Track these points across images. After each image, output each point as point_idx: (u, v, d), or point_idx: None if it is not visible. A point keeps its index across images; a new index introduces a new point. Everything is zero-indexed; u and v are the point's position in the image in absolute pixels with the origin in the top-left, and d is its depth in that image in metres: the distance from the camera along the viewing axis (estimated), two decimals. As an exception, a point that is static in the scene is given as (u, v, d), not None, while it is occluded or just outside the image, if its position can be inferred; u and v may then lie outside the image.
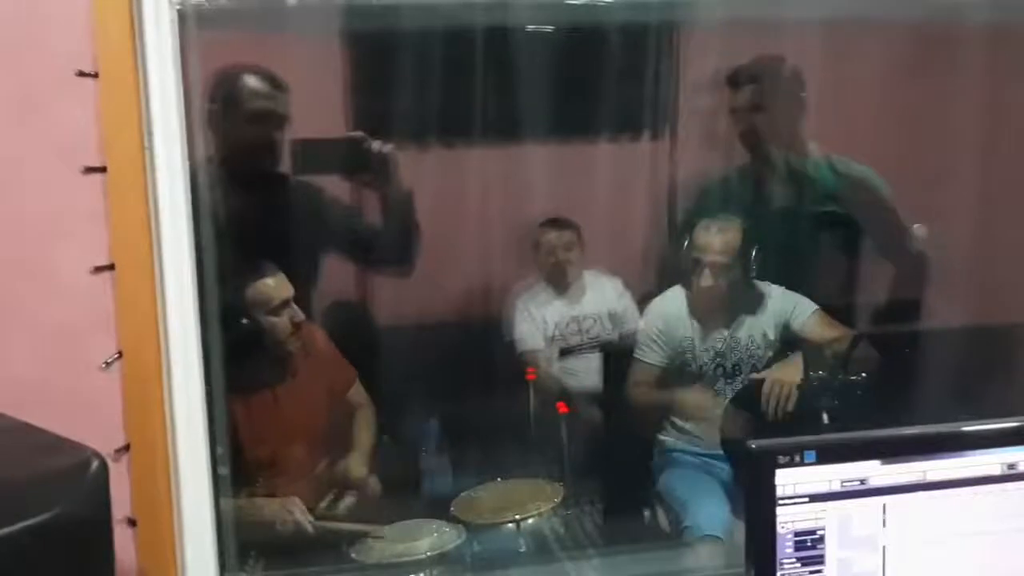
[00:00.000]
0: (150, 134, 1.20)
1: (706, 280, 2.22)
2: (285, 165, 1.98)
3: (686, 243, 2.27)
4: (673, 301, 2.35)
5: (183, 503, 1.25)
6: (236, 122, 1.92)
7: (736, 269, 2.22)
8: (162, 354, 1.22)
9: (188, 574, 1.27)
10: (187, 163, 1.26)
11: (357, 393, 2.19)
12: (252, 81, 1.94)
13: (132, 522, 1.23)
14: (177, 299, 1.22)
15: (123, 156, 1.19)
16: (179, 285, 1.22)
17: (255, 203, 1.93)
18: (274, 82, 1.95)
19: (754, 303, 2.28)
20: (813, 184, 2.31)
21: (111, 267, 1.20)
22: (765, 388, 2.10)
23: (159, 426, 1.23)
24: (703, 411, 2.28)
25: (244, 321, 1.91)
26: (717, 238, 2.21)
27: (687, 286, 2.31)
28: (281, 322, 1.96)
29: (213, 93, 1.89)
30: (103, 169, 1.19)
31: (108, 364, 1.21)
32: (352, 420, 2.17)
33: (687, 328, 2.31)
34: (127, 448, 1.22)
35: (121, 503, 1.22)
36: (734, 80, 2.34)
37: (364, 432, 2.16)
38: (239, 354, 1.79)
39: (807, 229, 2.31)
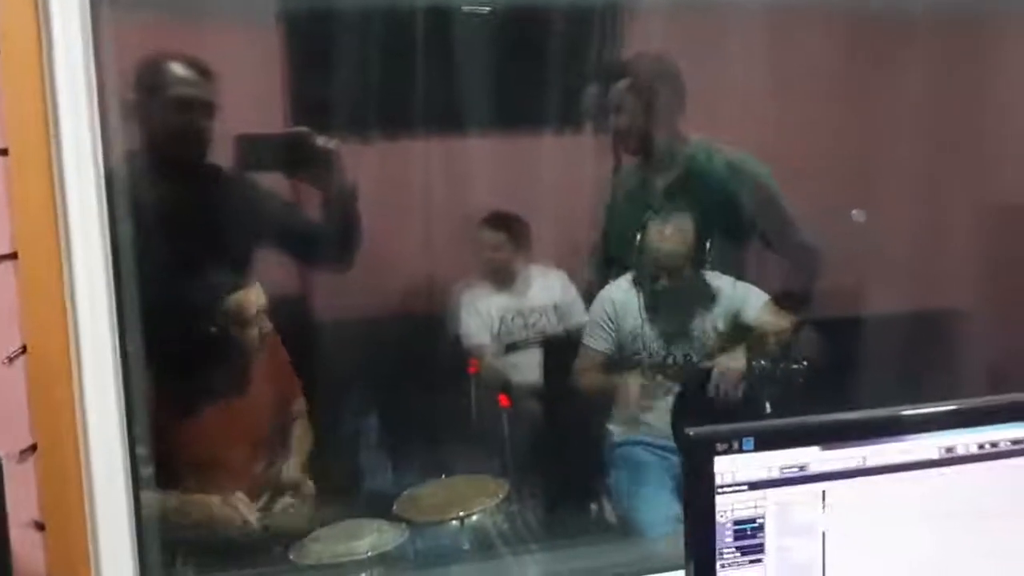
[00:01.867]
0: (56, 115, 1.14)
1: (662, 283, 2.22)
2: (215, 156, 1.91)
3: (637, 242, 2.26)
4: (623, 291, 2.33)
5: (96, 506, 1.19)
6: (161, 111, 1.85)
7: (691, 267, 2.23)
8: (71, 349, 1.16)
9: (103, 580, 1.20)
10: (100, 149, 1.19)
11: (298, 407, 2.14)
12: (175, 68, 1.87)
13: (40, 526, 1.17)
14: (88, 291, 1.16)
15: (26, 137, 1.12)
16: (90, 276, 1.16)
17: (183, 195, 1.87)
18: (199, 69, 1.89)
19: (708, 299, 2.28)
20: (693, 173, 2.30)
21: (14, 256, 1.14)
22: (714, 377, 2.14)
23: (68, 426, 1.16)
24: (638, 400, 2.27)
25: (212, 330, 1.87)
26: (672, 239, 2.21)
27: (640, 284, 2.30)
28: (251, 334, 1.93)
29: (137, 81, 1.82)
30: (4, 151, 1.12)
31: (11, 359, 1.15)
32: (291, 427, 2.11)
33: (636, 319, 2.30)
34: (34, 448, 1.15)
35: (29, 506, 1.16)
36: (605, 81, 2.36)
37: (302, 443, 2.10)
38: (202, 363, 1.83)
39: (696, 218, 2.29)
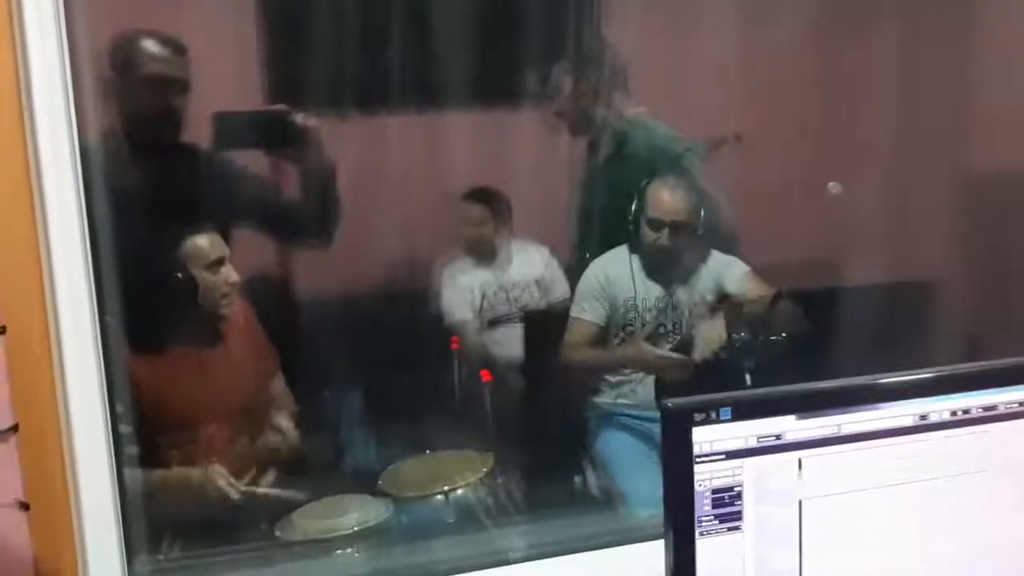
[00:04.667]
0: (28, 91, 1.12)
1: (663, 240, 2.25)
2: (190, 134, 1.90)
3: (634, 206, 2.28)
4: (617, 261, 2.34)
5: (80, 484, 1.19)
6: (134, 89, 1.84)
7: (691, 227, 2.26)
8: (50, 326, 1.15)
9: (89, 558, 1.21)
10: (74, 124, 1.18)
11: (277, 388, 2.13)
12: (149, 45, 1.85)
13: (25, 505, 1.17)
14: (65, 267, 1.15)
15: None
16: (67, 252, 1.15)
17: (158, 173, 1.85)
18: (173, 45, 1.87)
19: (700, 261, 2.32)
20: (626, 149, 2.35)
21: (-11, 236, 1.13)
22: (697, 344, 2.20)
23: (50, 404, 1.16)
24: (645, 362, 2.28)
25: (179, 276, 1.87)
26: (674, 197, 2.24)
27: (635, 248, 2.31)
28: (217, 279, 1.92)
29: (110, 59, 1.80)
30: (-22, 130, 1.11)
31: (-10, 339, 1.14)
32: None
33: (630, 289, 2.30)
34: (16, 428, 1.15)
35: (13, 486, 1.16)
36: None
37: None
38: (172, 310, 1.84)
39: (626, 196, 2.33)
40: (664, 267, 2.31)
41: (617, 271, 2.33)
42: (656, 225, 2.24)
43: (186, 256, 1.89)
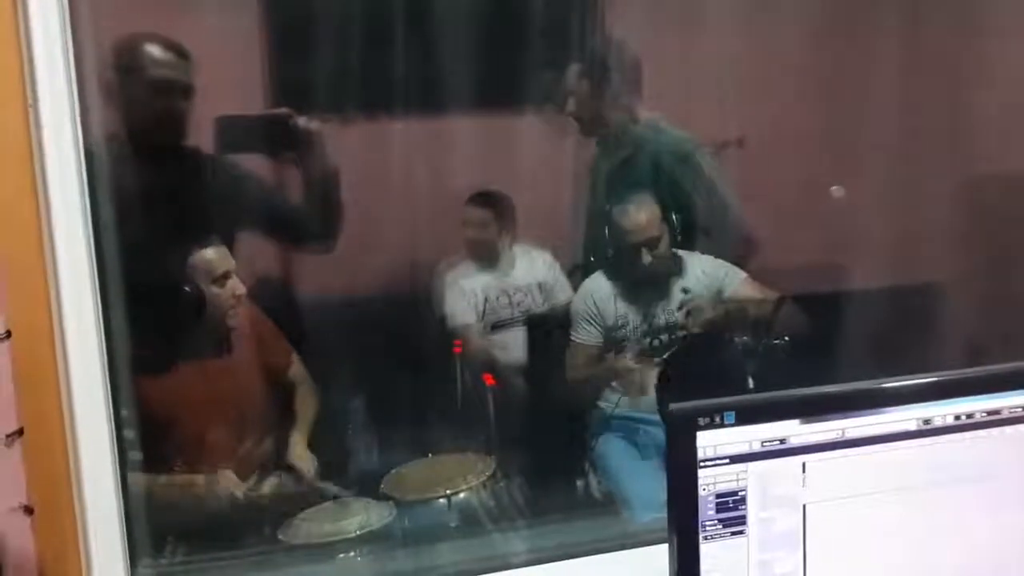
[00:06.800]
0: (35, 95, 1.13)
1: (645, 258, 2.24)
2: (193, 139, 1.91)
3: (607, 231, 2.30)
4: (601, 282, 2.36)
5: (84, 489, 1.19)
6: (137, 93, 1.84)
7: (665, 241, 2.26)
8: (56, 334, 1.16)
9: (93, 562, 1.21)
10: (79, 129, 1.18)
11: (296, 371, 2.16)
12: (152, 49, 1.86)
13: (29, 510, 1.17)
14: (71, 273, 1.15)
15: (4, 116, 1.11)
16: (73, 258, 1.15)
17: (161, 178, 1.86)
18: (177, 50, 1.87)
19: (680, 270, 2.32)
20: (643, 152, 2.35)
21: (-6, 242, 1.13)
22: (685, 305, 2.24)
23: (55, 409, 1.16)
24: (632, 373, 2.28)
25: (187, 289, 1.88)
26: (641, 215, 2.24)
27: (613, 272, 2.32)
28: (224, 293, 1.92)
29: (113, 63, 1.80)
30: (-17, 135, 1.11)
31: (-5, 344, 1.14)
32: (292, 399, 2.14)
33: (620, 306, 2.32)
34: (20, 433, 1.15)
35: (17, 490, 1.16)
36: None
37: (304, 411, 2.12)
38: (180, 323, 1.85)
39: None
40: (648, 287, 2.32)
41: (603, 291, 2.35)
42: (636, 249, 2.26)
43: (193, 269, 1.90)
